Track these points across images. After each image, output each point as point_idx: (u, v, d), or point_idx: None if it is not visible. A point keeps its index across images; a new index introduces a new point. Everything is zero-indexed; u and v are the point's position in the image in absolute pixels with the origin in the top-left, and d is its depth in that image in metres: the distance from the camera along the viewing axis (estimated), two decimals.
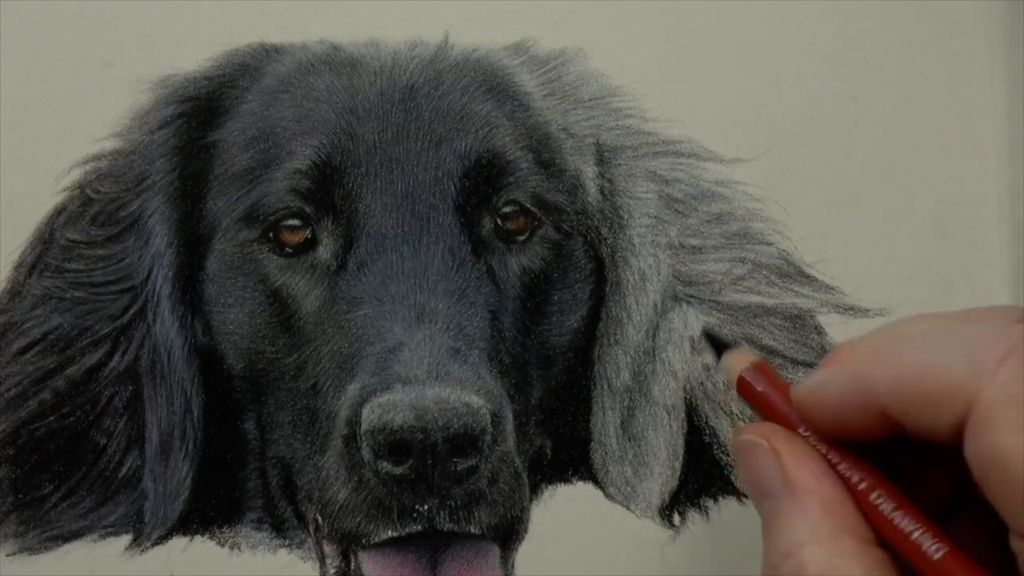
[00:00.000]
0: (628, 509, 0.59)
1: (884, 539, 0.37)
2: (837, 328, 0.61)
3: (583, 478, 0.60)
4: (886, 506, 0.37)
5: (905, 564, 0.36)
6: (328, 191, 0.56)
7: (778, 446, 0.39)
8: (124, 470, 0.57)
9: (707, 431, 0.59)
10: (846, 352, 0.38)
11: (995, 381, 0.33)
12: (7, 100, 0.58)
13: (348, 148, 0.57)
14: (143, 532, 0.57)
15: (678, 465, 0.59)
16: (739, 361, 0.42)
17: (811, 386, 0.38)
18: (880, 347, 0.37)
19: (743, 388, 0.42)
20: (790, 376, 0.60)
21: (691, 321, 0.60)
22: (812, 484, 0.38)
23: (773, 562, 0.37)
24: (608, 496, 0.59)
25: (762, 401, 0.41)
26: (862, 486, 0.37)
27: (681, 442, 0.59)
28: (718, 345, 0.44)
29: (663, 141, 0.62)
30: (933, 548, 0.35)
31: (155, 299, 0.58)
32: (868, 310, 0.62)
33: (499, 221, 0.58)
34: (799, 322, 0.61)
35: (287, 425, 0.56)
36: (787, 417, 0.40)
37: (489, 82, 0.59)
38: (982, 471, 0.33)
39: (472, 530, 0.52)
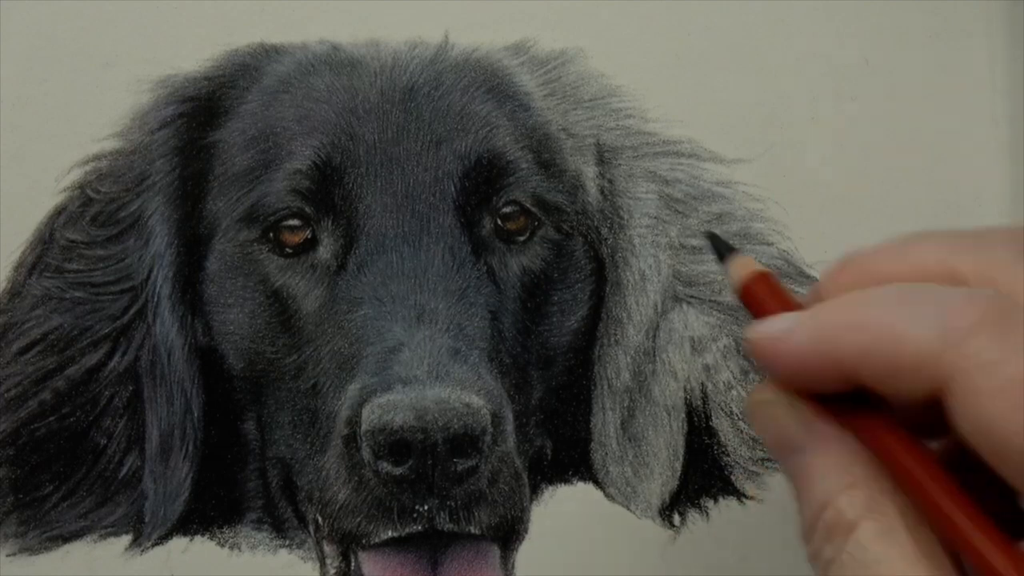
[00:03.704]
0: (628, 509, 0.59)
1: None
2: None
3: (583, 478, 0.60)
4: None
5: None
6: (328, 191, 0.56)
7: (795, 400, 0.38)
8: (124, 470, 0.57)
9: (707, 431, 0.59)
10: (815, 303, 0.37)
11: (968, 353, 0.33)
12: (7, 100, 0.58)
13: (348, 148, 0.57)
14: (143, 532, 0.57)
15: (678, 465, 0.59)
16: (742, 269, 0.40)
17: (772, 333, 0.37)
18: (849, 307, 0.36)
19: (747, 299, 0.40)
20: None
21: (691, 321, 0.60)
22: (836, 432, 0.37)
23: (811, 515, 0.36)
24: (608, 496, 0.59)
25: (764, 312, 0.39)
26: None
27: (681, 442, 0.59)
28: (721, 249, 0.41)
29: (663, 141, 0.62)
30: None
31: (155, 299, 0.58)
32: None
33: (499, 221, 0.58)
34: None
35: (287, 425, 0.56)
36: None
37: (489, 82, 0.59)
38: (977, 444, 0.33)
39: (472, 530, 0.52)
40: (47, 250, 0.58)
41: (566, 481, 0.59)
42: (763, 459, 0.59)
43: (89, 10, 0.59)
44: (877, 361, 0.35)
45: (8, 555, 0.56)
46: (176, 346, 0.57)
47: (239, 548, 0.57)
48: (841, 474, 0.36)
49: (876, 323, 0.36)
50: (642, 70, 0.62)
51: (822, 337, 0.36)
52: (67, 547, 0.56)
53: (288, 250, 0.57)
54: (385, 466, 0.50)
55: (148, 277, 0.58)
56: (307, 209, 0.56)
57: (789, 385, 0.38)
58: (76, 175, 0.58)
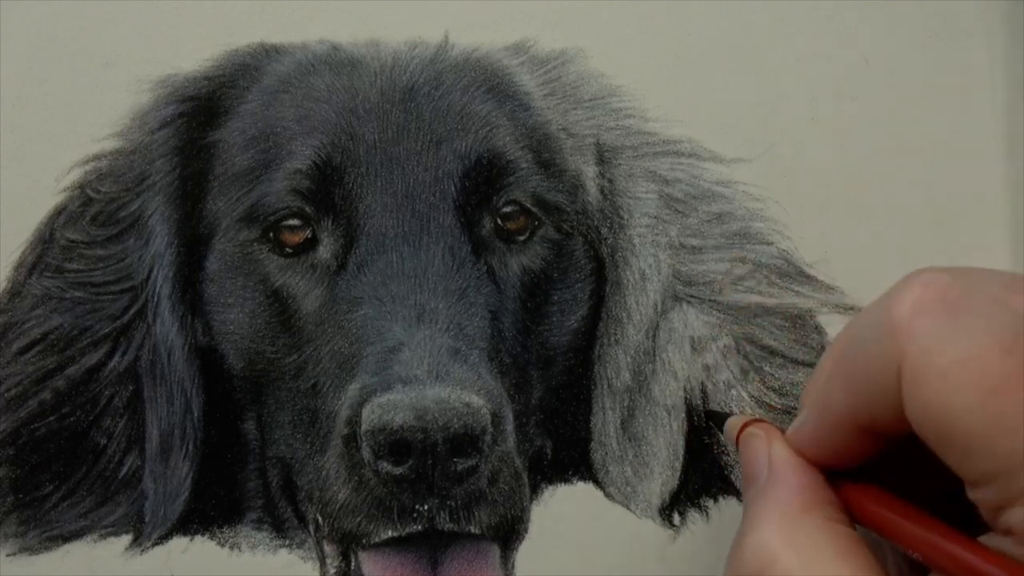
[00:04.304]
0: (628, 509, 0.59)
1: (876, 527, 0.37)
2: (837, 328, 0.61)
3: (583, 478, 0.60)
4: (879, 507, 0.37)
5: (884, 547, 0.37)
6: (328, 191, 0.56)
7: (773, 440, 0.40)
8: (124, 470, 0.57)
9: (707, 431, 0.59)
10: (809, 383, 0.40)
11: (912, 337, 0.33)
12: (7, 100, 0.58)
13: (348, 148, 0.57)
14: (143, 532, 0.57)
15: (678, 465, 0.59)
16: (734, 426, 0.45)
17: (793, 431, 0.40)
18: (825, 361, 0.38)
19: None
20: (790, 376, 0.60)
21: (691, 321, 0.60)
22: (791, 471, 0.39)
23: (739, 538, 0.38)
24: (608, 496, 0.59)
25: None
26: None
27: (681, 442, 0.59)
28: (718, 419, 0.48)
29: (663, 141, 0.62)
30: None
31: (155, 299, 0.58)
32: None
33: (499, 221, 0.58)
34: (799, 322, 0.61)
35: (287, 425, 0.56)
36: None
37: (489, 82, 0.59)
38: (922, 429, 0.33)
39: (472, 530, 0.52)
40: (47, 250, 0.58)
41: (566, 481, 0.59)
42: None
43: (89, 10, 0.59)
44: (859, 391, 0.36)
45: (8, 555, 0.56)
46: (176, 346, 0.57)
47: (239, 548, 0.57)
48: (779, 506, 0.38)
49: (840, 357, 0.36)
50: (642, 70, 0.62)
51: (824, 401, 0.38)
52: (67, 547, 0.56)
53: (288, 250, 0.57)
54: (385, 466, 0.50)
55: (148, 277, 0.58)
56: (307, 209, 0.56)
57: (829, 467, 0.39)
58: (76, 175, 0.58)
